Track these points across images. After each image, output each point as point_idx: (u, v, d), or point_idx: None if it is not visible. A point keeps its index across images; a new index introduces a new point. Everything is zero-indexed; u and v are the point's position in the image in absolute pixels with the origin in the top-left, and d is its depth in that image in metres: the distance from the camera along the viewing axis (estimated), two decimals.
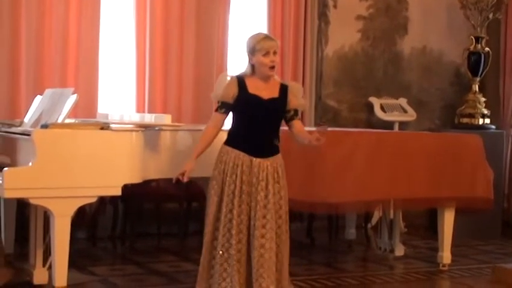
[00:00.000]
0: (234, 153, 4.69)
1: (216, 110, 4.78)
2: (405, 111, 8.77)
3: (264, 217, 4.64)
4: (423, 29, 9.12)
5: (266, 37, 4.78)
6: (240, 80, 4.74)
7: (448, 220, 6.55)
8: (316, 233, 7.79)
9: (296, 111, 4.88)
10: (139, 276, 6.02)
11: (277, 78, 4.87)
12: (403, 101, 8.87)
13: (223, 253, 4.63)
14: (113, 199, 7.01)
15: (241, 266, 4.62)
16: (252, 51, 4.71)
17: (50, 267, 5.23)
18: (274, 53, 4.70)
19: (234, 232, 4.61)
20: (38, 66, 7.04)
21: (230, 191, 4.65)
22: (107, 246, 7.19)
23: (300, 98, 4.89)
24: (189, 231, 7.52)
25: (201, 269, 4.72)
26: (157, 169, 5.40)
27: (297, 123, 4.90)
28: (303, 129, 4.90)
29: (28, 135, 4.94)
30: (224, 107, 4.73)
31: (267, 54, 4.68)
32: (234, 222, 4.62)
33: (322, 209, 6.28)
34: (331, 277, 6.15)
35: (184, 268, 6.35)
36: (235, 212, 4.63)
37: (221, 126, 4.80)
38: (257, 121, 4.70)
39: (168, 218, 7.43)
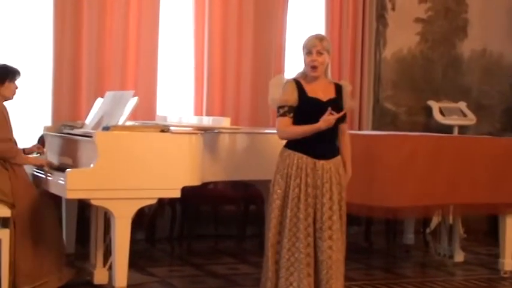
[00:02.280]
0: (296, 156, 4.65)
1: (284, 115, 4.66)
2: (465, 115, 8.66)
3: (330, 218, 4.61)
4: (483, 31, 9.00)
5: (312, 36, 4.70)
6: (298, 84, 4.70)
7: (509, 226, 6.43)
8: (374, 237, 7.74)
9: (345, 114, 4.81)
10: (197, 278, 6.05)
11: (330, 78, 4.83)
12: (462, 105, 8.76)
13: (289, 257, 4.61)
14: (171, 201, 7.05)
15: (311, 269, 4.60)
16: (302, 50, 4.70)
17: (110, 268, 5.29)
18: (318, 53, 4.62)
19: (301, 236, 4.58)
20: (99, 69, 7.14)
21: (295, 195, 4.62)
22: (165, 247, 7.23)
23: (351, 100, 4.86)
24: (247, 234, 7.54)
25: (266, 274, 4.69)
26: (216, 172, 5.41)
27: (344, 128, 4.85)
28: (348, 140, 4.85)
29: (90, 137, 5.00)
30: (291, 111, 4.66)
31: (309, 53, 4.64)
32: (301, 226, 4.59)
33: (380, 213, 6.24)
34: (390, 282, 6.09)
35: (242, 270, 6.36)
36: (301, 215, 4.60)
37: None
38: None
39: (225, 220, 7.47)
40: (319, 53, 4.64)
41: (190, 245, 7.18)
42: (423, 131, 8.22)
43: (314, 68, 4.65)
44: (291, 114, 4.66)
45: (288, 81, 4.74)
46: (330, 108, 4.56)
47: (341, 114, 4.61)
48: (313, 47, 4.63)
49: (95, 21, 7.12)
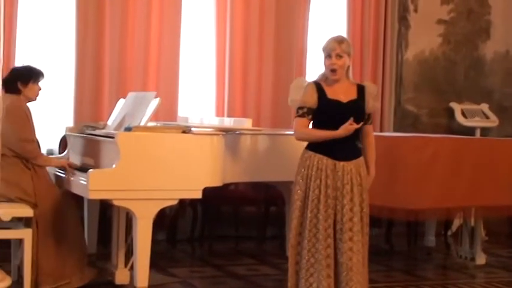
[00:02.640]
0: (316, 157, 4.65)
1: (302, 116, 4.68)
2: (487, 117, 8.62)
3: (351, 220, 4.61)
4: (506, 33, 8.94)
5: (332, 39, 4.69)
6: (318, 86, 4.70)
7: None
8: (395, 239, 7.71)
9: (369, 115, 4.82)
10: (218, 279, 6.05)
11: (352, 80, 4.82)
12: (484, 107, 8.72)
13: (309, 258, 4.61)
14: (192, 202, 7.08)
15: (331, 271, 4.60)
16: (322, 53, 4.70)
17: (131, 268, 5.32)
18: (338, 56, 4.61)
19: (320, 237, 4.58)
20: (121, 70, 7.17)
21: (315, 196, 4.62)
22: (186, 248, 7.25)
23: (375, 100, 4.84)
24: (267, 235, 7.54)
25: (289, 274, 4.72)
26: (237, 173, 5.43)
27: (369, 129, 4.84)
28: (372, 142, 4.84)
29: (112, 137, 5.03)
30: (311, 113, 4.68)
31: (328, 56, 4.64)
32: (321, 227, 4.59)
33: (401, 215, 6.23)
34: (411, 285, 6.07)
35: (263, 272, 6.36)
36: (321, 217, 4.60)
37: None
38: (339, 125, 4.60)
39: (246, 221, 7.47)
40: (339, 56, 4.63)
41: (211, 245, 7.20)
42: (445, 133, 8.19)
43: (333, 71, 4.65)
44: (309, 116, 4.68)
45: (309, 83, 4.76)
46: (352, 118, 4.55)
47: (360, 125, 4.60)
48: (332, 50, 4.62)
49: (117, 23, 7.16)
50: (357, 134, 4.74)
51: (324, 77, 4.75)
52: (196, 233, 7.40)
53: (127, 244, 5.48)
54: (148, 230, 4.92)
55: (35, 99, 5.49)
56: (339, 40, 4.68)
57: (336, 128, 4.60)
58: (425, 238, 7.80)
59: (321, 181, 4.63)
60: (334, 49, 4.62)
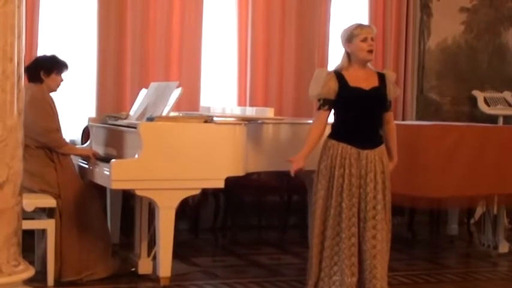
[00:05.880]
0: (340, 146, 4.67)
1: (319, 108, 4.75)
2: (510, 105, 8.57)
3: (374, 208, 4.63)
4: None
5: (361, 25, 4.81)
6: (339, 75, 4.72)
7: None
8: (418, 228, 7.70)
9: (390, 102, 4.84)
10: (240, 268, 6.07)
11: (372, 68, 4.85)
12: (507, 95, 8.66)
13: (333, 247, 4.63)
14: (214, 191, 7.07)
15: (355, 259, 4.63)
16: (349, 39, 4.71)
17: (154, 258, 5.35)
18: (372, 39, 4.69)
19: (344, 225, 4.61)
20: (143, 60, 7.18)
21: (339, 185, 4.64)
22: (208, 237, 7.27)
23: (395, 87, 4.87)
24: (290, 224, 7.55)
25: (310, 263, 4.74)
26: (259, 162, 5.44)
27: (390, 116, 4.87)
28: (394, 128, 4.86)
29: (134, 127, 5.05)
30: (327, 104, 4.72)
31: (364, 39, 4.67)
32: (344, 215, 4.61)
33: (423, 203, 6.22)
34: (433, 273, 6.05)
35: (285, 261, 6.37)
36: (344, 205, 4.62)
37: (326, 123, 4.78)
38: (362, 113, 4.67)
39: (268, 210, 7.48)
40: (373, 40, 4.69)
41: (234, 235, 7.21)
42: (468, 121, 8.15)
43: (371, 52, 4.70)
44: (326, 107, 4.71)
45: (328, 73, 4.77)
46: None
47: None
48: (368, 34, 4.69)
49: (139, 12, 7.17)
50: (379, 122, 4.76)
51: (343, 65, 4.76)
52: (219, 222, 7.41)
53: (150, 234, 5.50)
54: (171, 219, 4.95)
55: (56, 90, 5.51)
56: (371, 25, 4.89)
57: (359, 115, 4.66)
58: (447, 226, 7.78)
59: (344, 170, 4.65)
60: (370, 32, 4.71)
